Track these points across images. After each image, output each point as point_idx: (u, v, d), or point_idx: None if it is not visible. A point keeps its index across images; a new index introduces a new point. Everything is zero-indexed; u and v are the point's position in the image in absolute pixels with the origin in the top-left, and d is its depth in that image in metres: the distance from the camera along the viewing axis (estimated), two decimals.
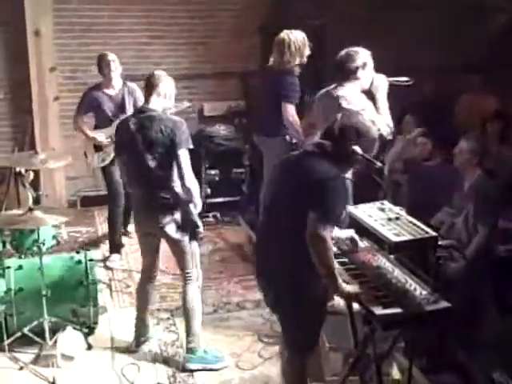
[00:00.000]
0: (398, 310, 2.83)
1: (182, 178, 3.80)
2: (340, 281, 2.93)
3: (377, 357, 3.20)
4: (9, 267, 4.24)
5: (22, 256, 4.74)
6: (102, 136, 5.42)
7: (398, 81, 4.24)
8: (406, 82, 4.21)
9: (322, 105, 4.38)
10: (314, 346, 3.28)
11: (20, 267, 4.29)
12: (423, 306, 2.84)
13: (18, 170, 6.12)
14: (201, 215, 6.45)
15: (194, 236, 3.99)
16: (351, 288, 2.97)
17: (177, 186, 3.85)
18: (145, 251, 4.18)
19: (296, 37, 4.89)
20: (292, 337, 3.21)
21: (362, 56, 4.19)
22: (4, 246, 4.86)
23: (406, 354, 3.58)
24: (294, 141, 5.00)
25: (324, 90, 4.41)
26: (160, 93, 3.88)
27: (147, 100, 3.92)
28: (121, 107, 5.36)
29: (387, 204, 3.40)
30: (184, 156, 3.79)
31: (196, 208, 3.92)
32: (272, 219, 3.16)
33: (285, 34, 4.91)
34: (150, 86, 3.90)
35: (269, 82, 5.11)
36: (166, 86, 3.91)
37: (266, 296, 3.29)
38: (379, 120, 3.85)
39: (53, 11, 6.29)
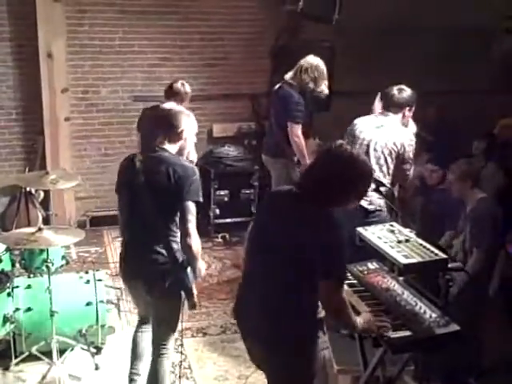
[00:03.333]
0: (407, 333, 2.81)
1: (184, 233, 3.28)
2: (357, 323, 2.76)
3: (386, 380, 3.18)
4: (17, 286, 4.26)
5: (31, 275, 4.75)
6: None
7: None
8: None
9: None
10: None
11: (29, 286, 4.31)
12: (433, 329, 2.82)
13: (28, 189, 6.18)
14: (210, 236, 6.60)
15: (183, 305, 3.41)
16: (367, 325, 2.82)
17: (175, 241, 3.34)
18: (135, 301, 3.82)
19: (319, 64, 5.10)
20: None
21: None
22: (13, 265, 4.88)
23: (416, 377, 3.56)
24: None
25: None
26: (174, 134, 3.44)
27: (158, 139, 3.45)
28: None
29: (397, 226, 3.40)
30: (190, 209, 3.27)
31: (195, 275, 3.38)
32: (263, 269, 2.78)
33: (310, 58, 5.11)
34: (161, 125, 3.49)
35: (277, 100, 5.17)
36: (184, 125, 3.48)
37: (252, 351, 2.94)
38: None
39: (65, 33, 6.37)
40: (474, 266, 4.01)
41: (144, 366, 3.64)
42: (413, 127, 4.54)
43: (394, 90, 4.36)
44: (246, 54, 6.97)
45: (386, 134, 4.28)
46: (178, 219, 3.32)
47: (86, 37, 6.52)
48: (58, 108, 6.44)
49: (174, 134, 3.42)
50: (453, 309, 3.05)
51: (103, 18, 6.52)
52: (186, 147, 3.63)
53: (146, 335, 3.68)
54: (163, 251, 3.33)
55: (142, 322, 3.76)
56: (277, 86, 5.34)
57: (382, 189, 4.13)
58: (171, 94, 5.48)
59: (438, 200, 5.09)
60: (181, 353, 3.78)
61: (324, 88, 5.14)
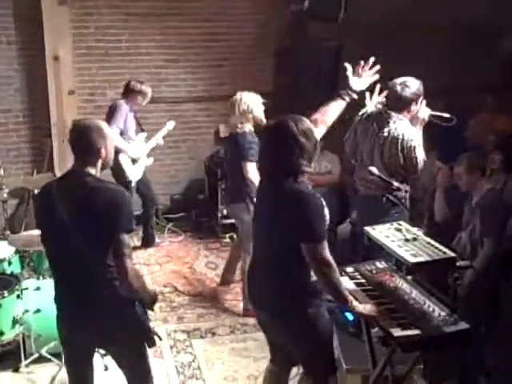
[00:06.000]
0: (416, 332, 2.81)
1: (121, 270, 2.78)
2: (353, 302, 2.92)
3: (395, 379, 3.17)
4: (27, 288, 4.27)
5: (40, 277, 4.77)
6: None
7: (438, 116, 4.24)
8: (448, 120, 4.19)
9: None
10: (336, 367, 3.21)
11: (38, 288, 4.32)
12: (442, 327, 2.82)
13: (36, 191, 6.20)
14: (217, 236, 6.60)
15: (146, 344, 2.98)
16: (363, 308, 2.93)
17: (115, 277, 2.84)
18: (69, 365, 3.18)
19: (247, 97, 4.78)
20: (313, 363, 3.13)
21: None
22: (22, 267, 4.91)
23: (425, 376, 3.55)
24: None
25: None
26: (93, 154, 2.90)
27: (80, 162, 2.92)
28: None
29: (404, 225, 3.39)
30: (125, 242, 2.79)
31: (145, 309, 2.96)
32: (262, 248, 3.11)
33: (239, 95, 4.82)
34: (76, 147, 2.94)
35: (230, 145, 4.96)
36: (99, 140, 2.91)
37: (271, 330, 3.20)
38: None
39: (71, 36, 6.40)
40: (484, 258, 3.97)
41: None
42: (427, 110, 4.36)
43: (397, 87, 4.20)
44: (252, 55, 6.98)
45: (391, 133, 4.22)
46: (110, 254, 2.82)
47: (92, 39, 6.56)
48: (65, 110, 6.47)
49: (92, 154, 2.91)
50: (463, 304, 3.03)
51: (109, 20, 6.56)
52: (109, 161, 3.04)
53: None
54: (105, 293, 2.86)
55: None
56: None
57: (395, 184, 4.03)
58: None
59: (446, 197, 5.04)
60: (190, 353, 3.76)
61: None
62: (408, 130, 4.21)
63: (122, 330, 2.89)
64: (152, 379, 3.14)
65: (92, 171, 2.90)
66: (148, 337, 2.94)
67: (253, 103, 4.75)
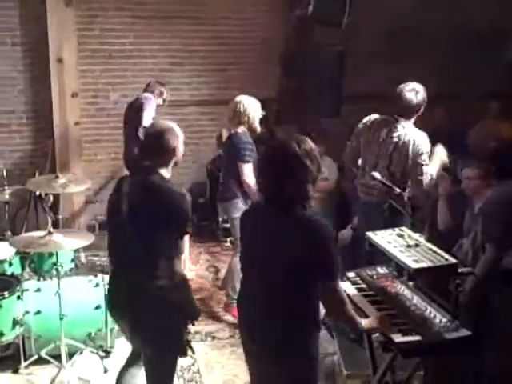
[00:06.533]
0: (417, 338, 2.80)
1: (170, 272, 2.93)
2: (359, 321, 2.81)
3: None
4: (27, 290, 4.27)
5: (41, 279, 4.77)
6: None
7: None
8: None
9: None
10: None
11: (38, 290, 4.33)
12: (443, 333, 2.81)
13: (38, 193, 6.20)
14: (218, 240, 6.59)
15: (177, 352, 3.11)
16: (368, 323, 2.88)
17: (162, 278, 2.95)
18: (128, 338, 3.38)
19: (246, 101, 4.75)
20: None
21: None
22: (23, 268, 4.90)
23: (426, 382, 3.53)
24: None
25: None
26: (166, 156, 3.09)
27: (152, 158, 3.09)
28: None
29: (406, 231, 3.38)
30: (177, 246, 2.96)
31: (189, 318, 3.05)
32: (254, 276, 2.80)
33: (239, 98, 4.80)
34: (151, 148, 3.11)
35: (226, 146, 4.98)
36: (172, 141, 3.09)
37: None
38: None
39: (76, 38, 6.40)
40: (486, 263, 3.94)
41: None
42: (443, 152, 4.39)
43: (408, 93, 4.18)
44: (256, 59, 6.98)
45: (401, 138, 4.20)
46: (164, 256, 2.95)
47: (96, 41, 6.57)
48: (68, 112, 6.48)
49: (165, 156, 3.08)
50: (463, 310, 3.02)
51: (114, 22, 6.57)
52: (178, 160, 3.20)
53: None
54: (151, 289, 2.95)
55: (132, 359, 3.40)
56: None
57: (397, 190, 4.01)
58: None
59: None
60: (190, 357, 3.74)
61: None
62: (419, 135, 4.21)
63: (160, 333, 2.97)
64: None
65: (161, 170, 3.04)
66: (182, 346, 3.04)
67: (250, 108, 4.73)
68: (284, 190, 2.62)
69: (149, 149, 3.10)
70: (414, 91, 4.20)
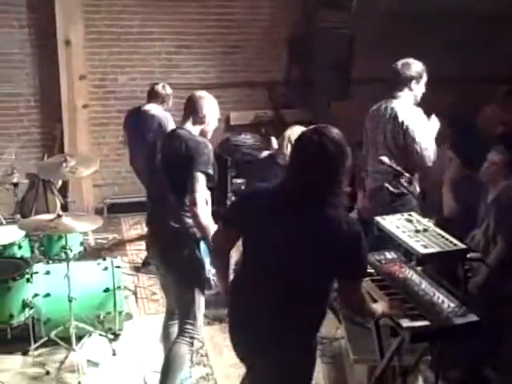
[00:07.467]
0: (425, 323, 2.80)
1: (190, 202, 3.30)
2: (377, 311, 2.82)
3: (402, 370, 3.17)
4: (36, 272, 4.30)
5: (50, 261, 4.80)
6: None
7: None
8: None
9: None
10: None
11: (47, 273, 4.34)
12: (451, 319, 2.81)
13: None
14: None
15: (201, 286, 3.44)
16: (381, 309, 2.86)
17: (187, 215, 3.37)
18: (163, 289, 3.86)
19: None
20: None
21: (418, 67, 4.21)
22: (32, 251, 4.93)
23: (432, 367, 3.54)
24: None
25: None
26: (197, 117, 3.49)
27: (184, 121, 3.54)
28: None
29: (415, 215, 3.37)
30: (199, 179, 3.29)
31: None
32: (261, 276, 2.64)
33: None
34: (187, 109, 3.53)
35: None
36: (206, 109, 3.49)
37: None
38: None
39: (83, 21, 6.37)
40: (497, 255, 3.93)
41: None
42: (436, 123, 4.36)
43: (399, 66, 4.21)
44: (264, 42, 6.95)
45: (393, 118, 4.16)
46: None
47: (103, 24, 6.53)
48: (76, 95, 6.47)
49: (196, 117, 3.49)
50: (474, 299, 3.01)
51: (121, 4, 6.53)
52: (208, 132, 3.54)
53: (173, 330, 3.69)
54: (176, 225, 3.38)
55: (169, 315, 3.77)
56: None
57: (406, 175, 3.96)
58: (152, 95, 5.54)
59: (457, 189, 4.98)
60: (198, 340, 3.76)
61: None
62: (403, 108, 4.14)
63: (181, 262, 3.37)
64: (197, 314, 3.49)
65: (188, 127, 3.48)
66: (204, 277, 3.38)
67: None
68: (320, 184, 2.47)
69: (185, 108, 3.54)
70: (406, 63, 4.21)
